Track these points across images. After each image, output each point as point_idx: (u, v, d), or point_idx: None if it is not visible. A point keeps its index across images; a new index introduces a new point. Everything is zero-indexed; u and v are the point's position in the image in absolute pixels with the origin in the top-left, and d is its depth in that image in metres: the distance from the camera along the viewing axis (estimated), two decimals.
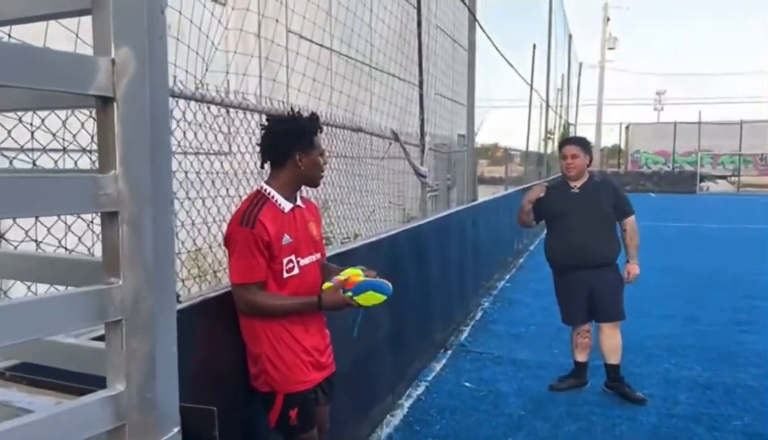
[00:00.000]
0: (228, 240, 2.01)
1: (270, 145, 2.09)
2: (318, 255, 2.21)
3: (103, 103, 0.77)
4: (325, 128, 3.47)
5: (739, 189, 27.03)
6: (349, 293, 1.99)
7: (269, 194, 2.06)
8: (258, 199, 2.04)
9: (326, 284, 2.06)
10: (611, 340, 3.87)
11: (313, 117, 2.14)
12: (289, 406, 2.07)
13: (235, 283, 1.99)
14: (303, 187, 2.20)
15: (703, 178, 27.12)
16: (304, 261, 2.11)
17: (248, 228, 1.95)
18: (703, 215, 16.67)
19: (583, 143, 3.92)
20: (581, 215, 3.78)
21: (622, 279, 3.87)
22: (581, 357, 3.99)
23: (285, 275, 2.04)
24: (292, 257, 2.06)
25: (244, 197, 2.91)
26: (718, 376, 4.24)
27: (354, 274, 2.04)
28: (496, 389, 4.03)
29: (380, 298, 2.01)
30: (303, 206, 2.19)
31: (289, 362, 2.05)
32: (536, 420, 3.57)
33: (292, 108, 2.29)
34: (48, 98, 0.85)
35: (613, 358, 3.87)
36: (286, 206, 2.08)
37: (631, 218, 3.90)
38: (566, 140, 4.11)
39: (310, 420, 2.12)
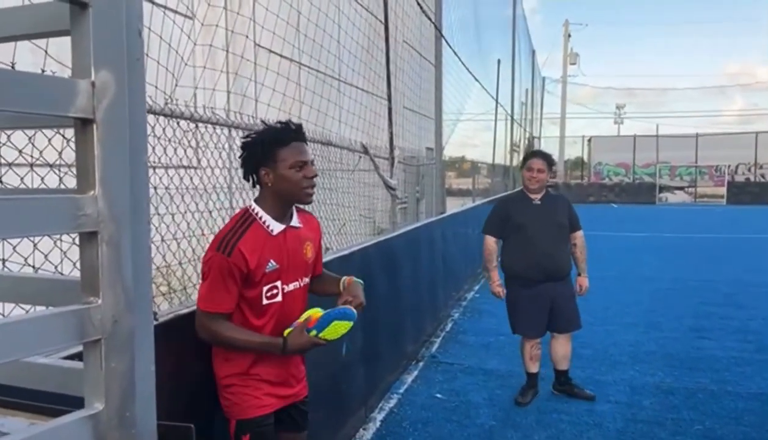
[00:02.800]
0: (204, 263, 1.89)
1: (241, 162, 1.96)
2: (307, 279, 2.07)
3: (83, 124, 0.78)
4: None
5: (696, 199, 28.00)
6: (314, 332, 1.87)
7: (256, 214, 1.92)
8: (243, 220, 1.90)
9: (287, 331, 1.93)
10: (566, 348, 4.04)
11: (281, 127, 1.93)
12: (240, 432, 1.97)
13: (200, 309, 1.88)
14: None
15: (662, 189, 28.05)
16: (288, 287, 1.97)
17: (224, 255, 1.82)
18: (662, 224, 17.19)
19: (548, 159, 4.02)
20: (543, 227, 3.85)
21: (574, 291, 4.01)
22: (535, 368, 4.07)
23: (265, 301, 1.91)
24: (277, 283, 1.93)
25: (214, 213, 2.93)
26: (680, 381, 4.37)
27: (313, 312, 1.93)
28: (467, 400, 4.07)
29: (347, 325, 1.91)
30: (299, 225, 2.02)
31: (239, 386, 1.95)
32: (507, 429, 3.62)
33: (263, 121, 2.16)
34: (26, 119, 0.85)
35: (565, 364, 4.06)
36: (276, 227, 1.92)
37: (581, 232, 4.06)
38: (533, 153, 4.17)
39: None
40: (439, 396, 4.15)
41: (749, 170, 28.13)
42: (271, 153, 1.88)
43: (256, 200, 1.95)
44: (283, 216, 1.95)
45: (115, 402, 0.81)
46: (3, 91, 0.68)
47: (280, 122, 1.95)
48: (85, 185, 0.78)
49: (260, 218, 1.91)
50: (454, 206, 8.87)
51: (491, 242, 4.11)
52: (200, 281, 1.93)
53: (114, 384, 0.81)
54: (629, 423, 3.68)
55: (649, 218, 19.31)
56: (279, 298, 1.94)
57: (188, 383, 2.03)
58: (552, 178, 4.05)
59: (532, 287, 3.87)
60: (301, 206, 2.11)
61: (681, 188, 28.68)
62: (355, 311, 1.94)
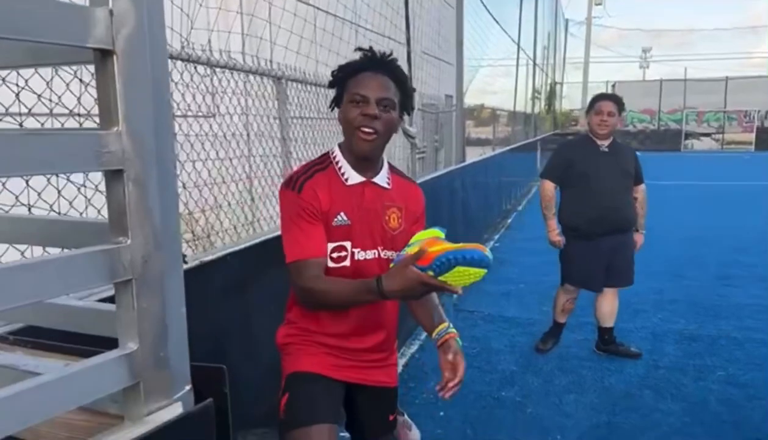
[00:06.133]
0: (280, 209, 1.61)
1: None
2: (390, 253, 1.64)
3: (102, 56, 0.74)
4: (313, 88, 3.43)
5: (723, 147, 27.26)
6: (430, 273, 1.34)
7: (334, 157, 1.62)
8: (319, 162, 1.63)
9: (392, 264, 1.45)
10: (613, 305, 3.84)
11: (366, 50, 1.59)
12: (282, 393, 1.65)
13: (288, 265, 1.55)
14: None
15: (687, 136, 27.30)
16: (361, 255, 1.61)
17: (294, 192, 1.54)
18: (688, 172, 16.84)
19: (619, 102, 3.66)
20: (611, 176, 3.58)
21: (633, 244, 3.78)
22: (563, 319, 3.98)
23: (330, 263, 1.57)
24: (346, 244, 1.58)
25: (234, 160, 2.90)
26: (703, 329, 4.35)
27: (430, 240, 1.39)
28: (488, 346, 4.10)
29: (477, 274, 1.34)
30: (387, 185, 1.66)
31: (295, 345, 1.68)
32: (528, 375, 3.65)
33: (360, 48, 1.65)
34: (43, 54, 0.82)
35: (611, 321, 3.88)
36: (352, 177, 1.60)
37: (644, 186, 3.81)
38: (602, 96, 3.76)
39: (302, 413, 1.58)
40: (459, 342, 4.19)
41: None
42: (342, 84, 1.59)
43: (339, 143, 1.66)
44: (362, 168, 1.61)
45: (148, 342, 0.81)
46: (16, 20, 0.64)
47: (366, 50, 1.61)
48: (108, 121, 0.75)
49: (337, 162, 1.61)
50: (472, 155, 8.74)
51: (550, 187, 3.79)
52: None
53: (146, 325, 0.80)
54: (651, 369, 3.69)
55: (675, 166, 18.90)
56: (347, 262, 1.59)
57: (215, 329, 2.06)
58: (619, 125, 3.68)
59: (592, 238, 3.61)
60: (404, 173, 1.81)
61: (708, 135, 27.89)
62: (489, 255, 1.35)
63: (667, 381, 3.51)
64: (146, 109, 0.78)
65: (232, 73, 2.65)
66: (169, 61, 2.17)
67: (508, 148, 10.60)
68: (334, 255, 1.58)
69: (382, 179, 1.65)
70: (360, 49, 1.62)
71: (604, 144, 3.63)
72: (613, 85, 31.13)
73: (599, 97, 3.72)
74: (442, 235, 1.42)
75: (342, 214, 1.57)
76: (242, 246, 2.25)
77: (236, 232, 2.61)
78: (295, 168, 1.80)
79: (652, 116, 29.04)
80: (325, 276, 1.54)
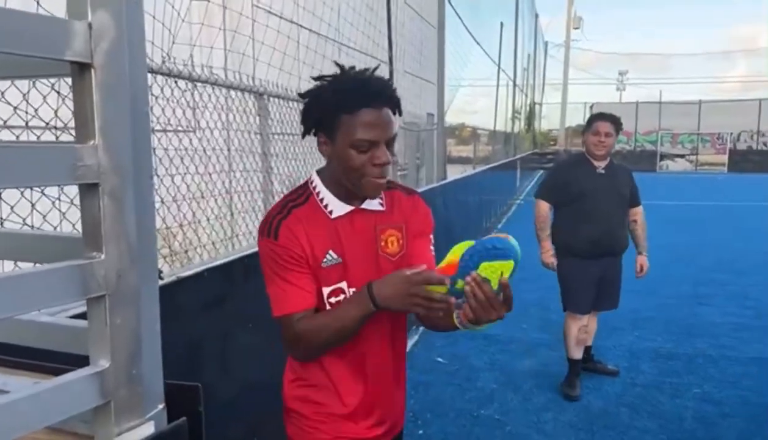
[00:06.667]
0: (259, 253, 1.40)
1: (301, 113, 1.39)
2: None
3: (80, 69, 0.73)
4: (294, 103, 3.43)
5: (697, 168, 27.89)
6: (460, 282, 1.18)
7: (315, 188, 1.39)
8: (295, 196, 1.39)
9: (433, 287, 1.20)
10: (593, 325, 3.84)
11: (355, 79, 1.31)
12: None
13: (276, 318, 1.36)
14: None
15: (663, 156, 27.90)
16: None
17: (270, 239, 1.33)
18: (663, 192, 17.16)
19: (617, 122, 3.54)
20: (607, 199, 3.49)
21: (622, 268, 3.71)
22: (579, 354, 3.73)
23: (328, 308, 1.37)
24: (341, 284, 1.36)
25: (214, 175, 2.88)
26: (679, 347, 4.41)
27: (456, 252, 1.24)
28: (468, 364, 4.11)
29: (506, 266, 1.17)
30: (380, 207, 1.41)
31: (301, 416, 1.47)
32: (508, 392, 3.66)
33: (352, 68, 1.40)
34: (20, 66, 0.81)
35: (590, 341, 3.87)
36: (337, 208, 1.37)
37: (641, 208, 3.73)
38: (600, 116, 3.61)
39: None
40: (440, 359, 4.19)
41: (751, 137, 27.92)
42: (332, 117, 1.29)
43: (318, 170, 1.43)
44: (349, 196, 1.38)
45: (121, 360, 0.79)
46: None
47: (357, 73, 1.33)
48: (85, 135, 0.74)
49: (318, 194, 1.38)
50: (453, 173, 8.81)
51: (545, 207, 3.63)
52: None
53: (120, 341, 0.79)
54: (628, 386, 3.72)
55: (651, 186, 19.25)
56: None
57: (191, 346, 2.03)
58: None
59: (586, 260, 3.53)
60: (400, 183, 1.59)
61: (682, 156, 28.53)
62: (515, 243, 1.19)
63: (644, 399, 3.54)
64: (124, 122, 0.77)
65: (213, 89, 2.64)
66: (150, 75, 2.17)
67: (488, 166, 10.71)
68: (332, 300, 1.36)
69: (371, 202, 1.40)
70: (347, 71, 1.34)
71: (600, 165, 3.54)
72: (591, 107, 31.71)
73: (597, 117, 3.60)
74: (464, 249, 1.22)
75: (330, 253, 1.35)
76: (220, 262, 2.23)
77: (215, 247, 2.58)
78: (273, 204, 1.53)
79: (629, 137, 29.63)
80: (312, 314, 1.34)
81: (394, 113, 1.33)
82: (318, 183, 1.40)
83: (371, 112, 1.28)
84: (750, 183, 19.90)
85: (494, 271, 1.17)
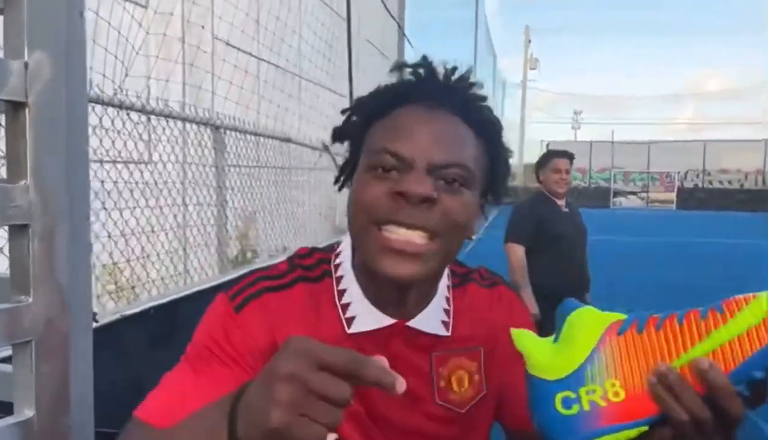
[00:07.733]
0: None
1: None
2: None
3: (14, 108, 0.72)
4: (252, 137, 3.43)
5: (648, 204, 29.04)
6: None
7: (338, 264, 0.81)
8: (308, 266, 0.82)
9: None
10: None
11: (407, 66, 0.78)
12: None
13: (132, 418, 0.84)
14: None
15: (616, 193, 29.00)
16: None
17: (230, 306, 0.80)
18: (616, 228, 17.76)
19: (572, 158, 3.44)
20: (575, 236, 3.41)
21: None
22: None
23: None
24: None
25: (166, 208, 2.83)
26: None
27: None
28: None
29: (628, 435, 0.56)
30: (445, 330, 0.79)
31: None
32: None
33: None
34: None
35: None
36: (364, 317, 0.76)
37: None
38: (556, 153, 3.47)
39: None
40: None
41: (697, 176, 29.41)
42: (360, 133, 0.78)
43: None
44: (388, 298, 0.77)
45: (47, 409, 0.76)
46: None
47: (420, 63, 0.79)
48: (16, 174, 0.72)
49: (339, 278, 0.80)
50: None
51: (521, 251, 3.26)
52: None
53: (46, 390, 0.75)
54: None
55: (604, 222, 19.89)
56: None
57: (135, 387, 1.95)
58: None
59: (557, 302, 3.30)
60: (477, 270, 0.90)
61: (634, 193, 29.69)
62: None
63: None
64: (59, 161, 0.76)
65: (167, 121, 2.61)
66: (101, 107, 2.13)
67: None
68: None
69: (430, 318, 0.79)
70: (402, 66, 0.80)
71: (562, 204, 3.43)
72: (548, 145, 32.76)
73: (554, 154, 3.45)
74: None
75: None
76: (168, 299, 2.17)
77: (164, 283, 2.51)
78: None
79: (583, 174, 30.68)
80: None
81: (480, 134, 0.76)
82: (346, 259, 0.80)
83: (411, 112, 0.74)
84: (697, 220, 20.80)
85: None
